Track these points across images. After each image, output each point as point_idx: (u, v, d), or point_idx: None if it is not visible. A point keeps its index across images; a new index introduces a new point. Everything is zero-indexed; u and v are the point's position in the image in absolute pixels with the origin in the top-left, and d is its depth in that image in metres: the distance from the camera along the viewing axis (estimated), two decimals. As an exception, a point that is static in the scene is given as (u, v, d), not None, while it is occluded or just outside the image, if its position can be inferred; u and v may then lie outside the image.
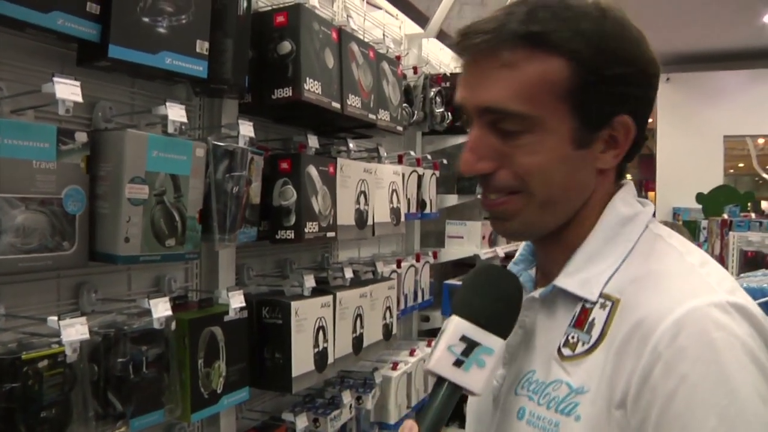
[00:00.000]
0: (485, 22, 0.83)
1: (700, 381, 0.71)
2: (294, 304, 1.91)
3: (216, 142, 1.64)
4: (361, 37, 2.35)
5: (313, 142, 2.04)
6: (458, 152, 3.36)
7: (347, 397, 2.26)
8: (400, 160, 2.85)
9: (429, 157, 3.20)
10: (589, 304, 0.84)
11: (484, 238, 3.49)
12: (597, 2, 0.83)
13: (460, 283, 0.96)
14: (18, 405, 1.19)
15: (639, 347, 0.75)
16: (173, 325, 1.54)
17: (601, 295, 0.83)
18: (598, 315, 0.82)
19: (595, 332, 0.81)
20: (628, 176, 0.99)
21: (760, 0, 6.30)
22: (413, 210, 2.89)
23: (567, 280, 0.86)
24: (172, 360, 1.54)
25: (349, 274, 2.26)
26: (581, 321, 0.84)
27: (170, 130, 1.47)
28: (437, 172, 3.18)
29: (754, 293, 1.91)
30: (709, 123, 8.71)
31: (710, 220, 6.63)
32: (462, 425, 1.09)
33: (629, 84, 0.82)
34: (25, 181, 1.22)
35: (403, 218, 2.67)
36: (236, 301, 1.72)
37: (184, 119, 1.49)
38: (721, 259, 5.44)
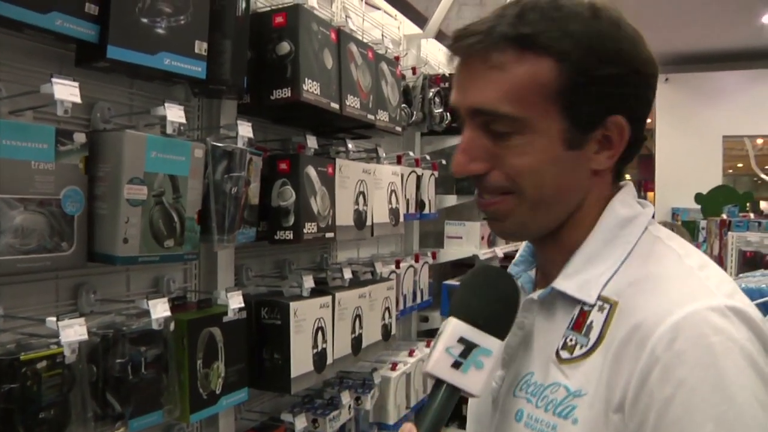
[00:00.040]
0: (477, 24, 0.83)
1: (698, 386, 0.71)
2: (293, 305, 1.91)
3: (215, 143, 1.64)
4: (360, 38, 2.35)
5: (311, 142, 2.05)
6: (457, 153, 3.35)
7: (346, 398, 2.26)
8: (399, 161, 2.85)
9: (428, 157, 3.20)
10: (587, 307, 0.84)
11: (483, 238, 3.49)
12: (590, 2, 0.83)
13: (458, 283, 0.96)
14: (16, 406, 1.19)
15: (637, 351, 0.75)
16: (172, 326, 1.54)
17: (599, 298, 0.83)
18: (596, 318, 0.82)
19: (593, 335, 0.81)
20: (627, 176, 1.00)
21: (759, 0, 6.30)
22: (412, 210, 2.89)
23: (565, 282, 0.86)
24: (170, 361, 1.54)
25: (348, 274, 2.26)
26: (579, 323, 0.83)
27: (169, 130, 1.47)
28: (436, 173, 3.18)
29: (752, 293, 1.91)
30: (708, 123, 8.72)
31: (709, 220, 6.63)
32: (462, 426, 1.09)
33: (622, 84, 0.82)
34: (23, 182, 1.22)
35: (402, 219, 2.67)
36: (235, 301, 1.72)
37: (183, 120, 1.49)
38: (720, 260, 5.45)
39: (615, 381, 0.76)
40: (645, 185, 10.58)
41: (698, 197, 8.20)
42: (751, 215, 7.05)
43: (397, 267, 2.80)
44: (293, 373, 1.91)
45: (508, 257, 3.63)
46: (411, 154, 3.02)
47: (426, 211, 3.04)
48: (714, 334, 0.72)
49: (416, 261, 3.03)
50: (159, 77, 1.57)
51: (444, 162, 3.38)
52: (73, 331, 1.26)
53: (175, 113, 1.47)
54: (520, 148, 0.82)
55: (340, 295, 2.17)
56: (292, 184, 1.93)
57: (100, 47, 1.34)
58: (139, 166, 1.41)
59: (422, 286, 3.08)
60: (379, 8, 3.02)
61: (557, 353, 0.84)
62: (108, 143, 1.40)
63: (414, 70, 3.09)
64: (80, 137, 1.33)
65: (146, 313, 1.45)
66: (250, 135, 1.71)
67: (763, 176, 9.80)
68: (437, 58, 3.62)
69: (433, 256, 3.30)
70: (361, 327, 2.31)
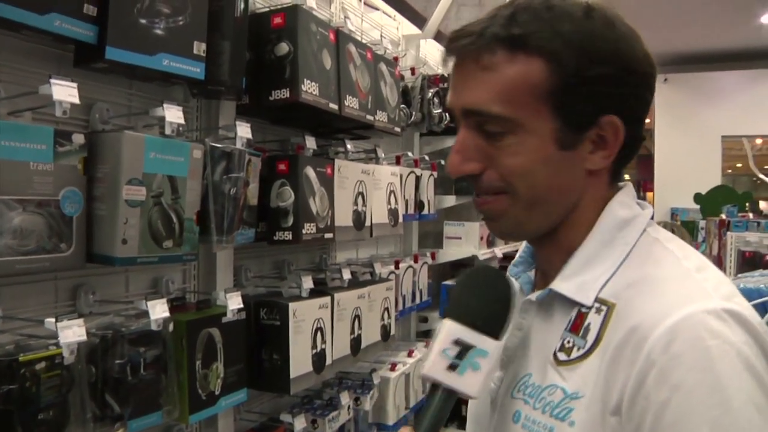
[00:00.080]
0: (471, 25, 0.84)
1: (694, 389, 0.70)
2: (292, 306, 1.91)
3: (213, 144, 1.64)
4: (359, 39, 2.35)
5: (310, 143, 2.05)
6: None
7: (345, 398, 2.26)
8: (398, 161, 2.85)
9: (427, 158, 3.20)
10: (584, 309, 0.83)
11: (482, 239, 3.49)
12: (584, 3, 0.83)
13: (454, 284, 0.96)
14: (15, 407, 1.19)
15: (633, 353, 0.75)
16: (171, 327, 1.54)
17: (596, 300, 0.83)
18: (594, 320, 0.82)
19: (591, 337, 0.81)
20: (627, 177, 0.99)
21: (757, 1, 6.30)
22: (411, 211, 2.89)
23: (563, 284, 0.86)
24: (169, 361, 1.54)
25: (347, 275, 2.26)
26: (577, 325, 0.83)
27: (167, 131, 1.47)
28: (435, 173, 3.18)
29: (750, 294, 1.91)
30: (707, 123, 8.72)
31: (708, 220, 6.63)
32: (462, 426, 1.09)
33: (616, 84, 0.82)
34: (22, 183, 1.22)
35: (401, 219, 2.67)
36: (234, 302, 1.72)
37: (182, 121, 1.49)
38: (719, 260, 5.45)
39: (612, 384, 0.76)
40: (644, 185, 10.59)
41: (697, 197, 8.20)
42: (750, 215, 7.05)
43: (396, 267, 2.80)
44: (292, 374, 1.91)
45: (508, 258, 3.63)
46: (410, 154, 3.03)
47: (425, 211, 3.04)
48: (710, 337, 0.72)
49: (415, 261, 3.03)
50: (157, 78, 1.57)
51: (443, 162, 3.37)
52: (72, 332, 1.26)
53: (173, 114, 1.47)
54: (513, 148, 0.83)
55: (339, 295, 2.17)
56: (291, 184, 1.93)
57: (99, 48, 1.34)
58: (137, 166, 1.41)
59: (421, 286, 3.08)
60: (377, 9, 3.02)
61: (555, 355, 0.84)
62: (107, 144, 1.40)
63: (413, 70, 3.10)
64: (79, 138, 1.33)
65: (145, 313, 1.46)
66: (249, 136, 1.71)
67: (761, 176, 9.80)
68: (436, 58, 3.62)
69: (432, 256, 3.30)
70: (360, 327, 2.31)
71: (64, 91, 1.24)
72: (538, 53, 0.80)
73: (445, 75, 3.31)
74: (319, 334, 2.04)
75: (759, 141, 9.95)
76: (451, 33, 0.86)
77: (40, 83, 1.24)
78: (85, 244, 1.37)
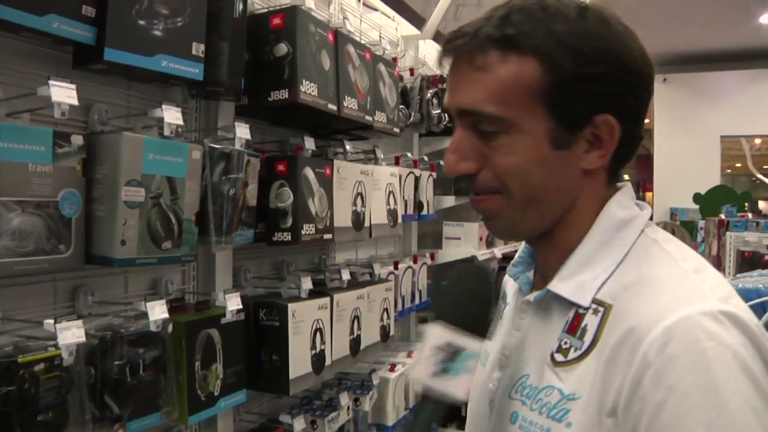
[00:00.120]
0: (467, 26, 0.84)
1: (690, 391, 0.70)
2: (291, 306, 1.91)
3: (212, 145, 1.64)
4: (358, 39, 2.35)
5: (309, 144, 2.05)
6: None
7: (345, 399, 2.26)
8: (397, 162, 2.85)
9: (426, 158, 3.20)
10: (582, 310, 0.84)
11: (481, 239, 3.49)
12: (578, 2, 0.83)
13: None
14: (14, 408, 1.19)
15: (630, 355, 0.75)
16: (170, 328, 1.54)
17: (593, 301, 0.83)
18: (591, 321, 0.82)
19: (588, 338, 0.81)
20: (626, 177, 0.99)
21: (756, 1, 6.31)
22: (410, 211, 2.89)
23: (560, 284, 0.86)
24: (169, 362, 1.54)
25: (346, 275, 2.26)
26: (574, 326, 0.83)
27: (166, 132, 1.47)
28: (434, 174, 3.18)
29: (749, 294, 1.91)
30: (706, 123, 8.72)
31: (707, 220, 6.63)
32: (461, 426, 1.09)
33: (610, 83, 0.82)
34: (21, 184, 1.22)
35: (400, 220, 2.67)
36: (233, 303, 1.72)
37: (180, 122, 1.49)
38: (718, 260, 5.45)
39: (608, 385, 0.76)
40: (643, 185, 10.59)
41: (696, 197, 8.21)
42: (750, 215, 7.06)
43: (396, 268, 2.80)
44: (292, 375, 1.91)
45: (507, 258, 3.63)
46: (409, 155, 3.03)
47: (424, 212, 3.04)
48: (707, 339, 0.72)
49: (414, 262, 3.03)
50: (156, 79, 1.57)
51: (442, 163, 3.37)
52: (71, 334, 1.26)
53: (172, 115, 1.47)
54: (507, 148, 0.83)
55: (338, 296, 2.17)
56: (290, 185, 1.93)
57: (97, 49, 1.34)
58: (136, 168, 1.41)
59: (421, 287, 3.08)
60: (376, 9, 3.02)
61: (552, 356, 0.84)
62: (105, 145, 1.40)
63: (412, 71, 3.10)
64: (77, 139, 1.33)
65: (144, 315, 1.45)
66: (248, 136, 1.71)
67: (759, 176, 9.81)
68: (435, 59, 3.61)
69: (432, 257, 3.29)
70: (359, 328, 2.31)
71: (63, 93, 1.24)
72: (532, 53, 0.80)
73: (444, 76, 3.31)
74: (318, 334, 2.04)
75: (758, 141, 9.94)
76: (448, 34, 0.86)
77: (39, 85, 1.24)
78: (84, 245, 1.37)
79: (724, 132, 8.86)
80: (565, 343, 0.83)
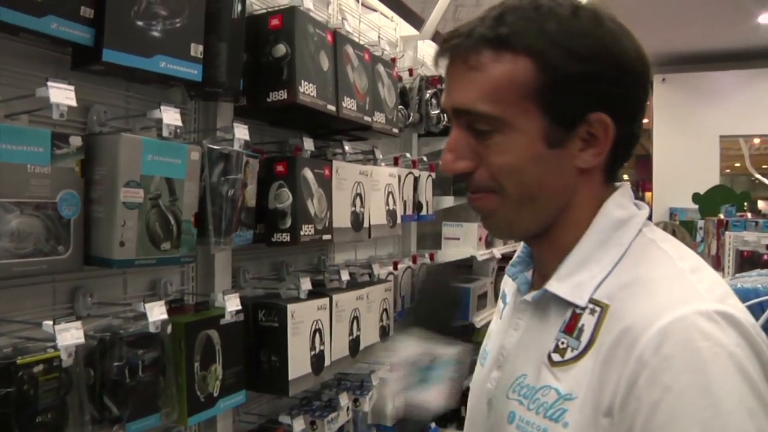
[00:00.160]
0: (462, 27, 0.85)
1: (685, 391, 0.70)
2: (290, 307, 1.91)
3: (211, 146, 1.64)
4: (357, 40, 2.35)
5: (308, 144, 2.05)
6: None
7: (344, 400, 2.26)
8: (396, 162, 2.85)
9: (425, 158, 3.20)
10: (579, 310, 0.84)
11: (480, 239, 3.49)
12: (571, 1, 0.84)
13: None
14: (13, 410, 1.19)
15: (625, 355, 0.75)
16: (169, 329, 1.54)
17: (590, 301, 0.83)
18: (587, 321, 0.82)
19: (584, 338, 0.81)
20: (625, 177, 1.00)
21: (755, 1, 6.31)
22: (409, 212, 2.89)
23: (558, 284, 0.86)
24: (168, 363, 1.54)
25: (345, 276, 2.26)
26: (571, 326, 0.84)
27: (165, 133, 1.47)
28: (433, 174, 3.18)
29: (747, 294, 1.91)
30: (705, 123, 8.71)
31: (707, 220, 6.63)
32: (461, 426, 1.09)
33: (603, 81, 0.82)
34: (19, 186, 1.22)
35: (399, 220, 2.67)
36: (232, 304, 1.72)
37: (179, 123, 1.49)
38: (718, 259, 5.45)
39: (604, 385, 0.76)
40: (643, 185, 10.59)
41: (696, 197, 8.20)
42: (749, 215, 7.06)
43: (395, 268, 2.80)
44: (291, 375, 1.91)
45: (506, 258, 3.63)
46: (408, 155, 3.02)
47: (423, 212, 3.04)
48: (702, 339, 0.72)
49: (414, 262, 3.02)
50: (155, 80, 1.57)
51: (441, 163, 3.37)
52: (70, 335, 1.26)
53: (171, 116, 1.48)
54: (501, 146, 0.84)
55: (337, 296, 2.17)
56: (288, 186, 1.93)
57: (96, 50, 1.34)
58: (135, 169, 1.41)
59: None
60: (375, 10, 3.02)
61: (549, 356, 0.84)
62: (104, 146, 1.40)
63: (411, 71, 3.09)
64: (76, 141, 1.33)
65: (143, 316, 1.46)
66: (247, 137, 1.71)
67: (758, 176, 9.81)
68: (432, 59, 3.61)
69: (431, 257, 3.29)
70: (358, 329, 2.31)
71: (61, 94, 1.24)
72: (524, 52, 0.81)
73: (443, 76, 3.31)
74: (317, 335, 2.04)
75: (757, 140, 9.95)
76: (444, 34, 0.87)
77: (37, 86, 1.24)
78: (83, 246, 1.37)
79: (723, 132, 8.85)
80: (562, 343, 0.84)
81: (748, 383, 0.71)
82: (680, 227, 4.79)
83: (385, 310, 2.53)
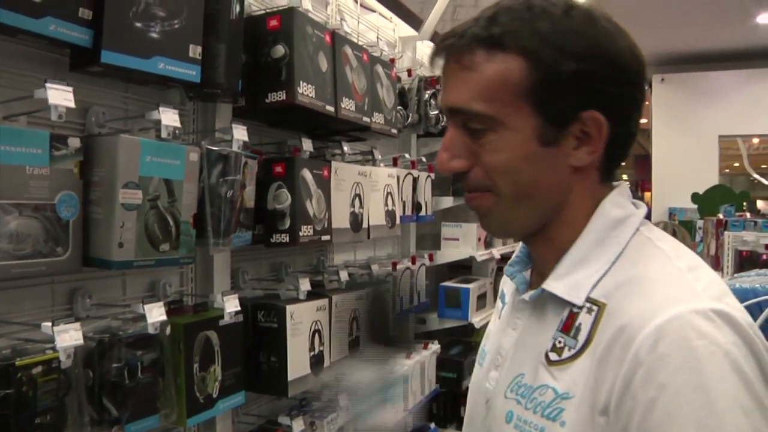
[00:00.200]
0: (457, 27, 0.86)
1: (680, 390, 0.70)
2: (289, 308, 1.91)
3: (210, 147, 1.64)
4: (355, 40, 2.35)
5: (307, 145, 2.05)
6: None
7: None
8: (395, 163, 2.85)
9: (424, 159, 3.20)
10: (576, 309, 0.84)
11: (479, 239, 3.49)
12: (564, 1, 0.84)
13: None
14: (12, 411, 1.19)
15: (621, 353, 0.75)
16: (168, 330, 1.54)
17: (587, 300, 0.83)
18: (585, 320, 0.82)
19: (581, 337, 0.81)
20: (624, 177, 1.00)
21: (753, 1, 6.31)
22: (408, 212, 2.89)
23: (555, 283, 0.87)
24: (167, 365, 1.54)
25: (344, 277, 2.27)
26: (568, 326, 0.84)
27: (164, 134, 1.47)
28: (432, 175, 3.18)
29: (746, 294, 1.91)
30: (704, 123, 8.72)
31: (706, 219, 6.64)
32: (460, 426, 1.09)
33: (596, 80, 0.82)
34: (18, 187, 1.22)
35: (398, 221, 2.67)
36: (231, 305, 1.72)
37: (178, 124, 1.49)
38: (717, 259, 5.46)
39: (601, 384, 0.76)
40: (642, 185, 10.59)
41: (695, 197, 8.21)
42: (748, 215, 7.06)
43: (394, 269, 2.80)
44: (290, 376, 1.91)
45: (505, 258, 3.63)
46: (407, 156, 3.02)
47: (422, 213, 3.04)
48: (697, 337, 0.72)
49: (413, 263, 3.02)
50: (153, 81, 1.57)
51: (436, 162, 3.36)
52: (69, 336, 1.26)
53: (169, 117, 1.48)
54: (495, 145, 0.84)
55: (336, 297, 2.17)
56: (287, 187, 1.93)
57: (94, 52, 1.34)
58: (133, 170, 1.41)
59: (419, 288, 3.07)
60: (374, 10, 3.02)
61: (546, 355, 0.85)
62: (103, 148, 1.40)
63: (409, 72, 3.09)
64: (75, 142, 1.33)
65: (142, 317, 1.46)
66: (246, 138, 1.71)
67: (756, 176, 9.81)
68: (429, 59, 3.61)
69: (430, 258, 3.29)
70: (358, 329, 2.30)
71: (60, 95, 1.24)
72: (517, 51, 0.82)
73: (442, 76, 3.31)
74: (317, 336, 2.04)
75: (756, 140, 9.95)
76: (441, 35, 0.88)
77: (36, 87, 1.24)
78: (82, 247, 1.37)
79: (722, 132, 8.86)
80: (560, 342, 0.84)
81: (744, 382, 0.71)
82: (681, 227, 4.80)
83: (385, 310, 2.53)
